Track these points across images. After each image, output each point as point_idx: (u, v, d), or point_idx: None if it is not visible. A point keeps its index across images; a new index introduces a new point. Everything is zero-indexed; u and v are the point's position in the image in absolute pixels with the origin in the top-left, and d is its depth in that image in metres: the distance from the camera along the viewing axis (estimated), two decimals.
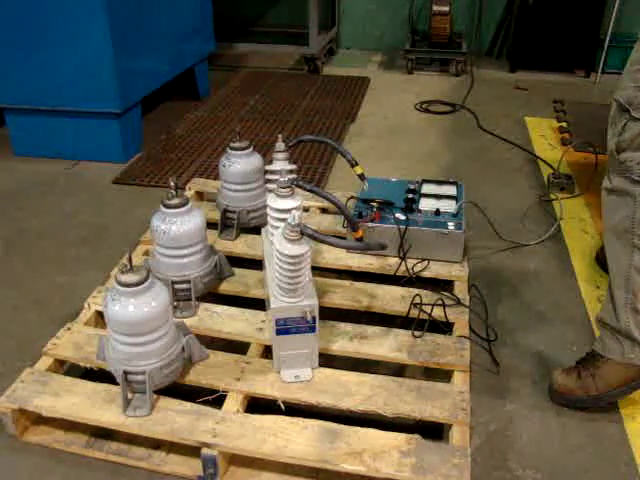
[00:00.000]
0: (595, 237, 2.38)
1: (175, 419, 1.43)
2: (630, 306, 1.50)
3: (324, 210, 2.32)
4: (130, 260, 1.39)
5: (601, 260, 2.19)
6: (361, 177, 1.98)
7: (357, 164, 1.93)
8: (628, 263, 1.49)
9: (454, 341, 1.67)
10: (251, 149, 2.10)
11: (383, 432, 1.41)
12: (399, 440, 1.39)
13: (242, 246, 2.09)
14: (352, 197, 2.18)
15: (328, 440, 1.38)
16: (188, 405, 1.47)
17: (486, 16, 4.76)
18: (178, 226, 1.70)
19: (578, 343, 1.84)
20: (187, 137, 3.30)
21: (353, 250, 2.02)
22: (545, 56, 4.34)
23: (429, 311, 1.77)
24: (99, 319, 1.79)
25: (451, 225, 1.99)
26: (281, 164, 1.81)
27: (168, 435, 1.41)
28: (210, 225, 1.99)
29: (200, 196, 2.47)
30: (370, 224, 2.00)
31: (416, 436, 1.39)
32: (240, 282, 1.91)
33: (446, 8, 4.37)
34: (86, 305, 1.81)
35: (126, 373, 1.44)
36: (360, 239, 1.77)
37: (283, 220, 1.47)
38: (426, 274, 1.95)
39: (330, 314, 1.75)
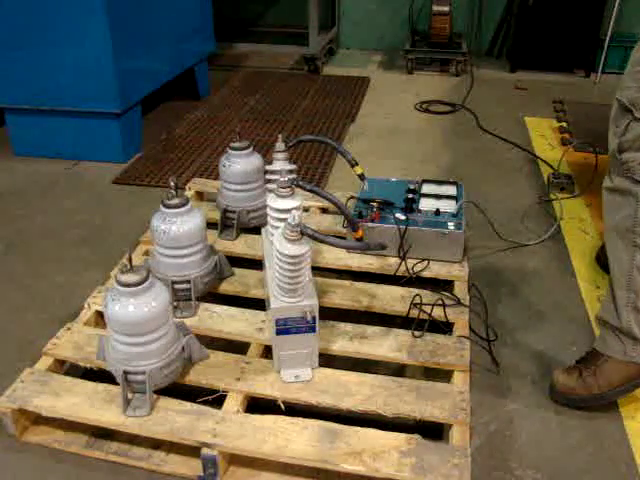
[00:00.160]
0: (595, 237, 2.38)
1: (175, 419, 1.43)
2: (632, 305, 1.50)
3: (324, 210, 2.32)
4: (130, 260, 1.39)
5: (601, 260, 2.19)
6: (361, 177, 1.98)
7: (357, 164, 1.93)
8: (630, 262, 1.49)
9: (454, 341, 1.67)
10: (251, 149, 2.10)
11: (383, 432, 1.41)
12: (399, 440, 1.39)
13: (242, 246, 2.09)
14: (352, 197, 2.18)
15: (328, 440, 1.38)
16: (188, 405, 1.47)
17: (486, 16, 4.76)
18: (178, 226, 1.70)
19: (578, 343, 1.84)
20: (187, 137, 3.30)
21: (353, 250, 2.02)
22: (545, 56, 4.34)
23: (429, 311, 1.77)
24: (99, 319, 1.79)
25: (451, 225, 1.99)
26: (281, 164, 1.81)
27: (168, 435, 1.41)
28: (210, 225, 1.99)
29: (200, 196, 2.47)
30: (370, 224, 2.00)
31: (416, 436, 1.39)
32: (240, 282, 1.91)
33: (446, 8, 4.37)
34: (86, 305, 1.81)
35: (126, 373, 1.44)
36: (360, 239, 1.77)
37: (283, 220, 1.47)
38: (426, 274, 1.95)
39: (330, 314, 1.75)
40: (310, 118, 3.56)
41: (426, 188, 2.24)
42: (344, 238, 2.02)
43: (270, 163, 1.86)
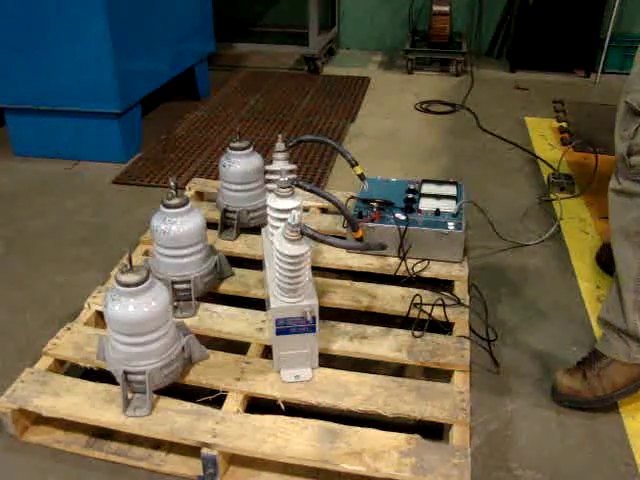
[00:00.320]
0: (595, 237, 2.38)
1: (175, 419, 1.43)
2: (639, 307, 1.49)
3: (324, 210, 2.32)
4: (130, 260, 1.39)
5: (601, 260, 2.19)
6: (361, 177, 1.98)
7: (357, 164, 1.93)
8: (638, 265, 1.48)
9: (454, 341, 1.67)
10: (251, 149, 2.10)
11: (383, 432, 1.41)
12: (399, 440, 1.39)
13: (242, 246, 2.09)
14: (352, 197, 2.18)
15: (328, 440, 1.38)
16: (188, 405, 1.47)
17: (486, 16, 4.76)
18: (178, 226, 1.70)
19: (578, 343, 1.84)
20: (187, 137, 3.30)
21: (353, 250, 2.02)
22: (545, 56, 4.34)
23: (429, 311, 1.77)
24: (99, 319, 1.79)
25: (451, 225, 1.99)
26: (281, 164, 1.81)
27: (168, 435, 1.41)
28: (210, 225, 1.99)
29: (200, 196, 2.47)
30: (370, 224, 2.00)
31: (416, 436, 1.39)
32: (240, 282, 1.91)
33: (446, 8, 4.37)
34: (86, 305, 1.81)
35: (126, 373, 1.44)
36: (360, 239, 1.77)
37: (283, 220, 1.47)
38: (426, 274, 1.95)
39: (330, 314, 1.75)
40: (310, 118, 3.56)
41: (426, 188, 2.24)
42: (344, 238, 2.02)
43: (270, 163, 1.86)
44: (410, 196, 2.15)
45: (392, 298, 1.85)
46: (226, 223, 2.14)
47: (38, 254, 2.29)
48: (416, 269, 1.95)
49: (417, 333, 1.69)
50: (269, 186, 1.83)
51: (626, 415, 1.61)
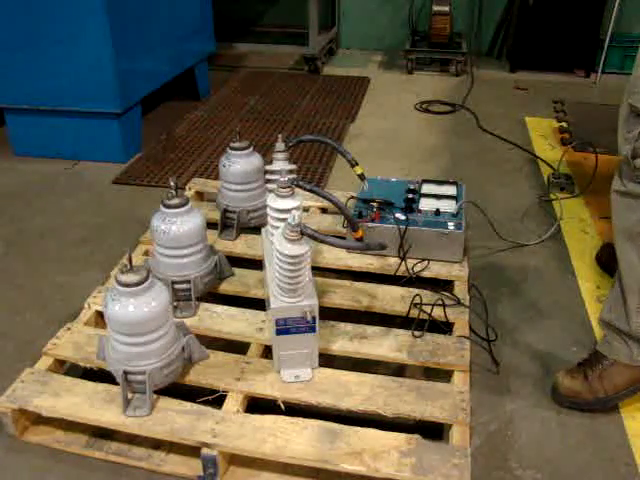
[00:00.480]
0: (595, 237, 2.38)
1: (175, 419, 1.43)
2: None
3: (324, 210, 2.32)
4: (130, 260, 1.39)
5: (601, 260, 2.19)
6: (361, 177, 1.98)
7: (357, 164, 1.93)
8: None
9: (454, 341, 1.67)
10: (251, 149, 2.10)
11: (383, 432, 1.41)
12: (399, 440, 1.39)
13: (242, 246, 2.09)
14: (352, 197, 2.18)
15: (328, 440, 1.38)
16: (188, 405, 1.47)
17: (486, 16, 4.77)
18: (178, 226, 1.70)
19: (578, 343, 1.84)
20: (187, 137, 3.31)
21: (353, 250, 2.02)
22: (545, 56, 4.34)
23: (429, 311, 1.77)
24: (99, 319, 1.79)
25: (451, 225, 1.99)
26: (281, 164, 1.81)
27: (168, 435, 1.41)
28: (210, 225, 1.99)
29: (200, 196, 2.47)
30: (370, 224, 2.00)
31: (416, 436, 1.39)
32: (240, 282, 1.91)
33: (446, 8, 4.37)
34: (86, 305, 1.81)
35: (126, 373, 1.44)
36: (360, 239, 1.77)
37: (283, 220, 1.47)
38: (426, 274, 1.95)
39: (330, 314, 1.75)
40: (310, 118, 3.56)
41: (426, 188, 2.24)
42: (344, 238, 2.02)
43: (270, 163, 1.86)
44: (410, 196, 2.15)
45: (392, 298, 1.85)
46: (226, 223, 2.14)
47: (38, 254, 2.29)
48: (416, 269, 1.95)
49: (417, 333, 1.69)
50: (269, 186, 1.83)
51: (626, 415, 1.61)
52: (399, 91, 4.10)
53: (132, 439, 1.48)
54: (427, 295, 1.84)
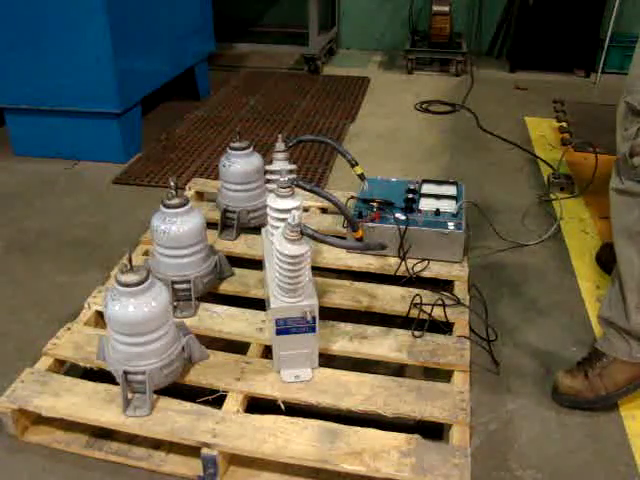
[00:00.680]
0: (595, 237, 2.38)
1: (175, 419, 1.43)
2: None
3: (324, 210, 2.32)
4: (130, 260, 1.39)
5: (601, 260, 2.19)
6: (361, 177, 1.98)
7: (357, 164, 1.93)
8: None
9: (454, 341, 1.67)
10: (251, 149, 2.10)
11: (383, 432, 1.41)
12: (399, 440, 1.39)
13: (242, 246, 2.09)
14: (352, 197, 2.18)
15: (328, 440, 1.38)
16: (188, 405, 1.47)
17: (486, 16, 4.77)
18: (178, 226, 1.70)
19: (578, 343, 1.84)
20: (187, 137, 3.31)
21: (353, 250, 2.02)
22: (545, 56, 4.34)
23: (429, 311, 1.77)
24: (99, 319, 1.79)
25: (451, 225, 1.99)
26: (281, 164, 1.81)
27: (168, 435, 1.41)
28: (210, 225, 1.99)
29: (200, 196, 2.46)
30: (370, 224, 2.00)
31: (416, 436, 1.39)
32: (240, 282, 1.91)
33: (446, 8, 4.37)
34: (86, 305, 1.81)
35: (126, 373, 1.44)
36: (360, 239, 1.77)
37: (283, 220, 1.47)
38: (426, 274, 1.95)
39: (330, 314, 1.75)
40: (310, 118, 3.56)
41: (426, 188, 2.24)
42: (344, 238, 2.02)
43: (270, 163, 1.86)
44: (410, 196, 2.15)
45: (392, 298, 1.84)
46: (226, 223, 2.14)
47: (38, 254, 2.29)
48: (416, 269, 1.95)
49: (417, 333, 1.69)
50: (269, 186, 1.83)
51: (626, 415, 1.61)
52: (399, 91, 4.10)
53: (132, 439, 1.48)
54: (427, 295, 1.84)
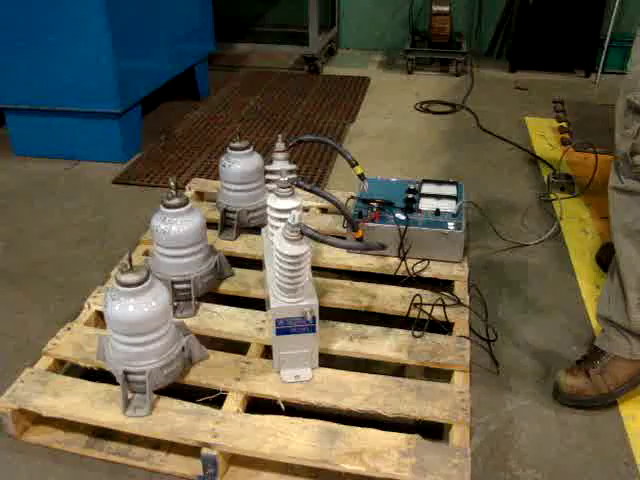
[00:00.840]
0: (595, 237, 2.38)
1: (175, 419, 1.43)
2: None
3: (324, 210, 2.32)
4: (130, 260, 1.39)
5: (601, 260, 2.19)
6: (361, 177, 1.98)
7: (357, 164, 1.94)
8: None
9: (454, 341, 1.67)
10: (251, 149, 2.10)
11: (383, 432, 1.41)
12: (399, 440, 1.39)
13: (242, 246, 2.09)
14: (352, 197, 2.18)
15: (328, 440, 1.38)
16: (188, 405, 1.47)
17: (486, 16, 4.77)
18: (178, 226, 1.70)
19: (578, 343, 1.84)
20: (187, 137, 3.31)
21: (353, 250, 2.02)
22: (545, 56, 4.34)
23: (429, 311, 1.77)
24: (99, 319, 1.79)
25: (451, 225, 1.99)
26: (281, 164, 1.81)
27: (168, 435, 1.41)
28: (210, 225, 1.99)
29: (200, 196, 2.47)
30: (370, 224, 2.00)
31: (416, 436, 1.39)
32: (240, 282, 1.91)
33: (446, 8, 4.37)
34: (86, 305, 1.81)
35: (126, 373, 1.44)
36: (360, 239, 1.77)
37: (283, 220, 1.47)
38: (426, 274, 1.95)
39: (330, 314, 1.75)
40: (310, 118, 3.56)
41: (426, 188, 2.24)
42: (344, 238, 2.02)
43: (270, 163, 1.86)
44: (410, 196, 2.15)
45: (392, 298, 1.84)
46: (226, 223, 2.14)
47: (38, 254, 2.29)
48: (416, 269, 1.95)
49: (417, 333, 1.69)
50: (269, 186, 1.83)
51: (626, 415, 1.61)
52: (399, 91, 4.10)
53: (132, 439, 1.48)
54: (427, 295, 1.84)
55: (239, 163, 2.07)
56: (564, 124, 3.35)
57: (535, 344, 1.85)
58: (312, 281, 1.53)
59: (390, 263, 1.99)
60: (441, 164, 3.00)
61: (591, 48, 4.23)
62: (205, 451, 1.37)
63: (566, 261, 2.24)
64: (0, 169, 2.93)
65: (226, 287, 1.90)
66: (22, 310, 1.99)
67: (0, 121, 3.16)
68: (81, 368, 1.63)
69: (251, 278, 1.92)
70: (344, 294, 1.86)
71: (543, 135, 3.33)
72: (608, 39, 4.11)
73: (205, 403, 1.49)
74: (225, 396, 1.51)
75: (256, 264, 1.97)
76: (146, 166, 2.96)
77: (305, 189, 1.63)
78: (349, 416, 1.48)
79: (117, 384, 1.47)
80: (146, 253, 2.05)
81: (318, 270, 1.96)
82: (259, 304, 1.80)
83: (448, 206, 2.10)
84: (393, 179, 2.32)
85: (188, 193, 2.40)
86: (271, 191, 1.69)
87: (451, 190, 2.22)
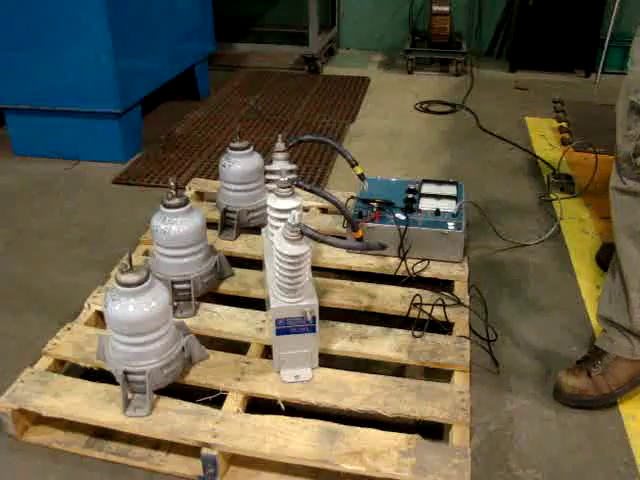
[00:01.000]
0: (595, 237, 2.38)
1: (175, 419, 1.43)
2: None
3: (324, 210, 2.32)
4: (130, 260, 1.39)
5: (601, 260, 2.19)
6: (361, 177, 1.98)
7: (357, 164, 1.93)
8: None
9: (454, 341, 1.67)
10: (251, 149, 2.10)
11: (383, 432, 1.41)
12: (399, 440, 1.39)
13: (242, 246, 2.09)
14: (352, 197, 2.18)
15: (328, 440, 1.38)
16: (188, 405, 1.47)
17: (486, 16, 4.77)
18: (178, 226, 1.70)
19: (578, 343, 1.84)
20: (187, 137, 3.30)
21: (353, 250, 2.02)
22: (545, 56, 4.34)
23: (429, 311, 1.77)
24: (99, 319, 1.79)
25: (451, 225, 1.99)
26: (281, 164, 1.81)
27: (168, 435, 1.41)
28: (210, 225, 1.99)
29: (200, 196, 2.47)
30: (370, 224, 2.00)
31: (416, 436, 1.39)
32: (240, 282, 1.91)
33: (446, 8, 4.37)
34: (86, 305, 1.81)
35: (126, 373, 1.44)
36: (360, 239, 1.77)
37: (283, 220, 1.47)
38: (426, 274, 1.95)
39: (330, 314, 1.75)
40: (310, 118, 3.56)
41: (426, 188, 2.24)
42: (344, 238, 2.02)
43: (270, 163, 1.86)
44: (410, 196, 2.15)
45: (392, 298, 1.84)
46: (226, 223, 2.14)
47: (38, 254, 2.29)
48: (416, 269, 1.95)
49: (417, 333, 1.69)
50: (269, 186, 1.83)
51: (626, 415, 1.61)
52: (399, 91, 4.10)
53: (132, 439, 1.48)
54: (427, 295, 1.84)
55: (239, 163, 2.07)
56: (564, 124, 3.35)
57: (535, 344, 1.85)
58: (312, 281, 1.52)
59: (390, 263, 1.99)
60: (441, 164, 3.00)
61: (591, 48, 4.23)
62: (205, 451, 1.37)
63: (566, 261, 2.24)
64: (0, 169, 2.93)
65: (226, 287, 1.90)
66: (22, 310, 1.99)
67: (0, 121, 3.16)
68: (81, 368, 1.63)
69: (251, 278, 1.92)
70: (344, 294, 1.86)
71: (543, 135, 3.33)
72: (608, 39, 4.11)
73: (205, 403, 1.49)
74: (225, 396, 1.51)
75: (256, 264, 1.97)
76: (146, 166, 2.96)
77: (305, 189, 1.63)
78: (349, 416, 1.48)
79: (117, 384, 1.47)
80: (146, 253, 2.05)
81: (318, 270, 1.96)
82: (259, 304, 1.80)
83: (448, 206, 2.10)
84: (393, 179, 2.32)
85: (188, 193, 2.40)
86: (271, 191, 1.69)
87: (451, 190, 2.22)
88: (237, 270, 1.95)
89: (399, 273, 1.95)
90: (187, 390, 1.54)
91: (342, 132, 3.36)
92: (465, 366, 1.59)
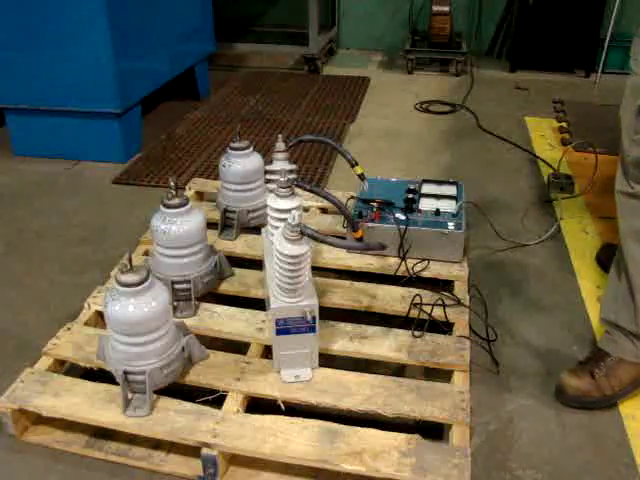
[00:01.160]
0: (595, 237, 2.38)
1: (175, 419, 1.43)
2: None
3: (324, 210, 2.32)
4: (130, 260, 1.39)
5: (601, 260, 2.19)
6: (361, 177, 1.98)
7: (357, 164, 1.93)
8: None
9: (454, 341, 1.67)
10: (251, 149, 2.10)
11: (383, 432, 1.41)
12: (399, 440, 1.39)
13: (242, 246, 2.09)
14: (352, 197, 2.18)
15: (328, 440, 1.38)
16: (188, 405, 1.47)
17: (486, 16, 4.77)
18: (178, 226, 1.70)
19: (578, 343, 1.84)
20: (187, 137, 3.30)
21: (353, 250, 2.02)
22: (545, 56, 4.34)
23: (429, 311, 1.77)
24: (99, 319, 1.79)
25: (451, 225, 1.99)
26: (281, 164, 1.81)
27: (168, 435, 1.41)
28: (210, 225, 1.99)
29: (200, 196, 2.46)
30: (370, 224, 2.00)
31: (416, 436, 1.39)
32: (240, 282, 1.91)
33: (446, 8, 4.37)
34: (86, 305, 1.81)
35: (126, 373, 1.44)
36: (360, 239, 1.77)
37: (283, 220, 1.47)
38: (426, 274, 1.95)
39: (330, 314, 1.75)
40: (310, 118, 3.56)
41: (426, 188, 2.24)
42: (344, 238, 2.02)
43: (270, 163, 1.86)
44: (410, 196, 2.15)
45: (392, 298, 1.84)
46: (226, 223, 2.14)
47: (38, 254, 2.29)
48: (416, 269, 1.95)
49: (417, 333, 1.69)
50: (269, 186, 1.83)
51: (626, 415, 1.61)
52: (399, 91, 4.10)
53: (132, 439, 1.48)
54: (427, 295, 1.84)
55: (239, 163, 2.07)
56: (564, 124, 3.35)
57: (535, 344, 1.85)
58: (312, 281, 1.52)
59: (390, 263, 1.99)
60: (441, 164, 3.00)
61: (591, 48, 4.23)
62: (205, 451, 1.37)
63: (566, 261, 2.24)
64: (0, 169, 2.93)
65: (226, 287, 1.90)
66: (22, 310, 1.99)
67: (0, 121, 3.16)
68: (81, 368, 1.63)
69: (251, 278, 1.92)
70: (344, 294, 1.86)
71: (543, 135, 3.33)
72: (608, 39, 4.11)
73: (205, 403, 1.49)
74: (225, 396, 1.51)
75: (256, 264, 1.97)
76: (146, 166, 2.96)
77: (305, 189, 1.63)
78: (349, 416, 1.48)
79: (117, 384, 1.47)
80: (146, 253, 2.05)
81: (318, 270, 1.96)
82: (259, 304, 1.80)
83: (448, 206, 2.10)
84: (393, 179, 2.32)
85: (188, 193, 2.40)
86: (271, 191, 1.69)
87: (451, 190, 2.22)
88: (237, 270, 1.95)
89: (399, 273, 1.95)
90: (187, 390, 1.54)
91: (342, 132, 3.36)
92: (465, 366, 1.59)
